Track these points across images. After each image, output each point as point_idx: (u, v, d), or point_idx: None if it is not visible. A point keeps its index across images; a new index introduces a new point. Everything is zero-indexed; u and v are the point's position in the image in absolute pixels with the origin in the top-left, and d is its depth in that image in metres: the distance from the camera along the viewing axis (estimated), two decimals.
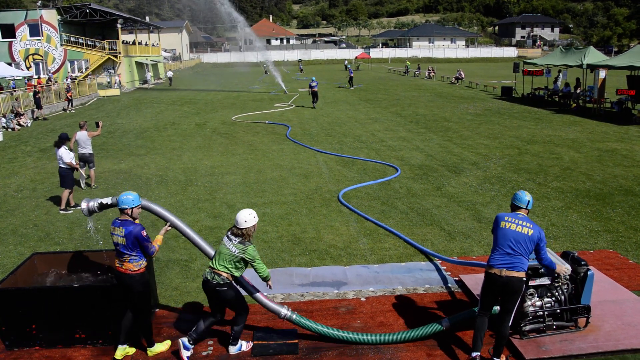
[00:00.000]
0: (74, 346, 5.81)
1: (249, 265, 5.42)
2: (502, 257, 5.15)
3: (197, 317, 6.43)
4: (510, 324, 5.27)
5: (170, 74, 50.91)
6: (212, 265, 5.40)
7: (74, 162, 10.77)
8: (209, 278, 5.35)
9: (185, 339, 5.49)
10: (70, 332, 5.78)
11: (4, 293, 5.68)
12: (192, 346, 5.51)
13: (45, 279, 6.58)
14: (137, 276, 5.42)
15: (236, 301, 5.46)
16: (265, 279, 5.52)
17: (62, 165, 10.71)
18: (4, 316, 5.72)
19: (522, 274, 5.12)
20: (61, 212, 10.75)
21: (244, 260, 5.34)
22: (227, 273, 5.34)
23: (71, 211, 10.82)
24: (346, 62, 74.31)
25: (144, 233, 5.42)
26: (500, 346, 5.32)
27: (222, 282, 5.31)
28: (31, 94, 29.30)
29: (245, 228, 5.31)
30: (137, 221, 5.57)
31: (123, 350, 5.58)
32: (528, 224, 5.16)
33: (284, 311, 5.75)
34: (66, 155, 10.70)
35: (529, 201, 5.35)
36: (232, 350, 5.67)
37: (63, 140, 10.89)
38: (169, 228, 5.91)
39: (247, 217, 5.31)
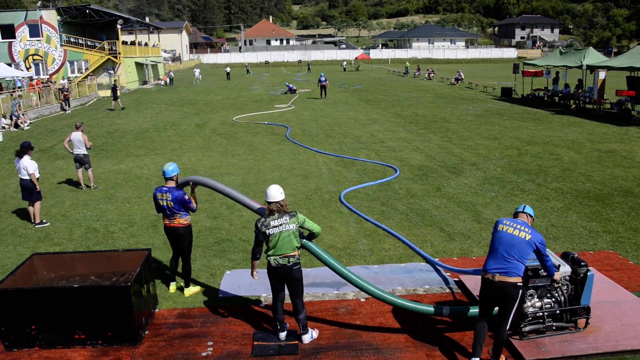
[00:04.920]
0: (74, 347, 5.81)
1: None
2: (496, 262, 5.10)
3: (196, 316, 6.45)
4: (507, 327, 5.25)
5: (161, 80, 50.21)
6: (281, 253, 5.56)
7: (36, 174, 9.85)
8: (282, 263, 5.58)
9: (282, 334, 5.91)
10: (69, 333, 5.78)
11: (3, 293, 5.67)
12: (286, 329, 5.97)
13: (45, 280, 6.59)
14: (188, 227, 6.90)
15: (301, 279, 5.77)
16: (319, 234, 5.88)
17: (26, 177, 9.83)
18: (3, 317, 5.72)
19: (516, 279, 5.04)
20: (37, 226, 9.90)
21: (300, 229, 5.71)
22: (297, 250, 5.67)
23: (47, 223, 10.04)
24: (344, 63, 74.56)
25: (186, 197, 6.71)
26: (499, 349, 5.31)
27: (297, 261, 5.65)
28: (32, 94, 29.37)
29: (284, 199, 5.63)
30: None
31: (174, 285, 7.20)
32: (526, 229, 5.11)
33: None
34: (31, 165, 9.80)
35: (525, 205, 5.42)
36: (306, 338, 5.85)
37: (25, 149, 9.96)
38: (193, 189, 7.01)
39: (280, 189, 5.64)
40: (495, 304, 5.27)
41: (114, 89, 29.90)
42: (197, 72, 52.11)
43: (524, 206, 5.42)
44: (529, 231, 5.10)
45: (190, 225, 6.94)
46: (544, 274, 5.75)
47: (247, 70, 64.44)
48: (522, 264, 5.07)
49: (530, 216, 5.40)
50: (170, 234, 6.90)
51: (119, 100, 29.95)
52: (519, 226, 5.14)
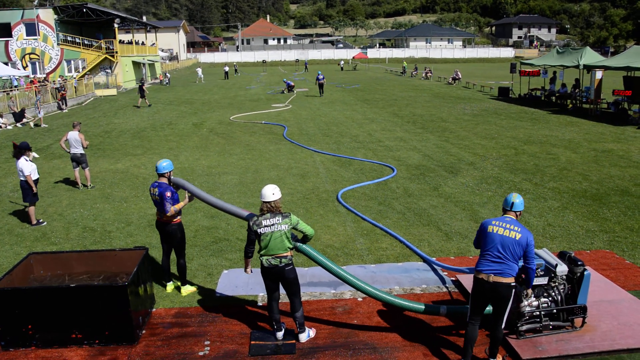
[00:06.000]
0: (71, 346, 5.80)
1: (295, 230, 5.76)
2: (490, 263, 5.08)
3: (193, 315, 6.45)
4: (503, 327, 5.26)
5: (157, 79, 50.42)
6: (272, 254, 5.56)
7: (32, 177, 9.72)
8: (274, 264, 5.58)
9: (279, 333, 5.90)
10: (66, 333, 5.77)
11: (0, 293, 5.66)
12: (283, 328, 5.98)
13: (42, 279, 6.57)
14: (178, 225, 6.90)
15: (296, 279, 5.75)
16: (312, 236, 5.82)
17: (23, 178, 9.73)
18: (0, 316, 5.70)
19: (510, 280, 5.04)
20: (34, 226, 9.84)
21: (294, 230, 5.68)
22: (289, 251, 5.63)
23: (45, 222, 10.02)
24: (342, 62, 74.90)
25: (168, 194, 6.59)
26: (495, 348, 5.33)
27: (289, 262, 5.63)
28: (28, 92, 29.30)
29: (278, 199, 5.59)
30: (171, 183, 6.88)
31: (171, 285, 7.20)
32: (516, 228, 5.06)
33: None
34: (26, 167, 9.65)
35: (513, 203, 5.22)
36: (303, 337, 5.85)
37: (22, 150, 9.83)
38: (187, 200, 6.88)
39: (274, 190, 5.61)
40: (487, 303, 5.27)
41: (140, 87, 30.75)
42: (199, 71, 53.14)
43: (512, 203, 5.24)
44: (519, 230, 5.06)
45: (180, 223, 6.95)
46: (541, 273, 5.77)
47: (235, 70, 65.18)
48: (515, 264, 5.07)
49: (519, 211, 5.25)
50: (161, 229, 6.94)
51: (146, 99, 30.57)
52: (508, 225, 5.10)
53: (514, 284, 5.08)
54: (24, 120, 24.02)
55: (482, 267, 5.12)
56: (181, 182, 7.02)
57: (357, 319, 6.36)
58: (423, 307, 5.95)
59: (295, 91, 37.54)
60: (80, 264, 6.71)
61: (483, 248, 5.19)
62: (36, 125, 23.70)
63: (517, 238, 5.02)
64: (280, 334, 5.88)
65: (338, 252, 8.40)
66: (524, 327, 5.73)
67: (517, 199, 5.25)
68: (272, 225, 5.51)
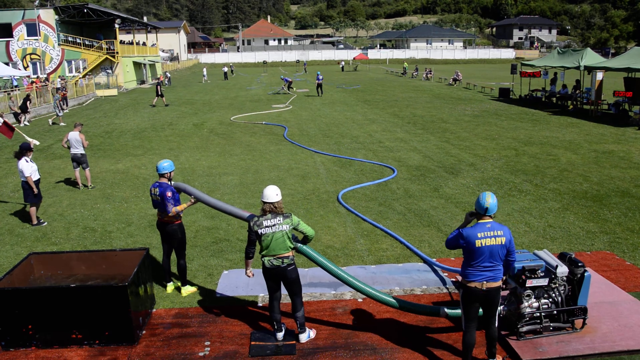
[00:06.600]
0: (71, 346, 5.80)
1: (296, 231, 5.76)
2: (482, 272, 5.07)
3: (193, 316, 6.45)
4: (496, 325, 5.28)
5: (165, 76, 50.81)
6: (274, 254, 5.57)
7: (32, 178, 9.72)
8: (276, 264, 5.59)
9: (279, 334, 5.90)
10: (66, 333, 5.78)
11: (0, 293, 5.66)
12: (284, 329, 5.98)
13: (42, 279, 6.57)
14: (177, 225, 6.87)
15: (298, 278, 5.77)
16: (312, 237, 5.85)
17: (24, 179, 9.75)
18: (0, 316, 5.71)
19: (500, 283, 5.13)
20: (34, 226, 9.83)
21: (294, 230, 5.68)
22: (290, 251, 5.65)
23: (45, 223, 9.99)
24: (342, 63, 74.95)
25: (169, 194, 6.59)
26: (493, 347, 5.34)
27: (291, 262, 5.64)
28: (28, 92, 29.32)
29: (281, 199, 5.62)
30: (171, 182, 6.89)
31: (171, 285, 7.20)
32: (499, 232, 5.03)
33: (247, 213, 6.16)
34: (26, 168, 9.65)
35: (487, 208, 5.02)
36: (303, 338, 5.87)
37: (23, 150, 9.82)
38: (192, 202, 6.83)
39: (277, 191, 5.62)
40: (479, 307, 5.28)
41: (158, 85, 31.07)
42: (204, 71, 54.36)
43: (486, 209, 5.04)
44: (502, 233, 5.04)
45: (181, 223, 6.97)
46: (542, 274, 5.77)
47: (232, 71, 65.60)
48: (502, 265, 5.14)
49: (494, 213, 5.11)
50: (161, 230, 6.95)
51: (156, 98, 30.71)
52: (492, 233, 5.02)
53: (501, 285, 5.18)
54: (25, 118, 24.06)
55: (474, 277, 5.08)
56: (182, 185, 7.02)
57: (357, 319, 6.36)
58: (422, 308, 5.96)
59: (295, 92, 37.56)
60: (81, 264, 6.71)
61: (471, 260, 5.09)
62: (54, 123, 24.07)
63: (502, 242, 5.04)
64: (280, 335, 5.88)
65: (338, 252, 8.39)
66: (524, 329, 5.73)
67: (490, 202, 5.02)
68: (274, 225, 5.51)
